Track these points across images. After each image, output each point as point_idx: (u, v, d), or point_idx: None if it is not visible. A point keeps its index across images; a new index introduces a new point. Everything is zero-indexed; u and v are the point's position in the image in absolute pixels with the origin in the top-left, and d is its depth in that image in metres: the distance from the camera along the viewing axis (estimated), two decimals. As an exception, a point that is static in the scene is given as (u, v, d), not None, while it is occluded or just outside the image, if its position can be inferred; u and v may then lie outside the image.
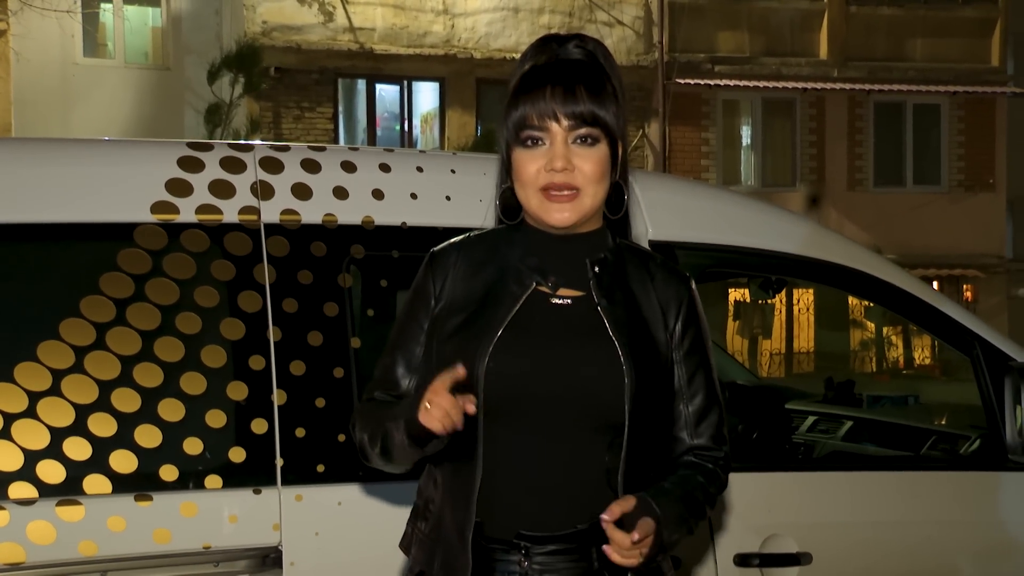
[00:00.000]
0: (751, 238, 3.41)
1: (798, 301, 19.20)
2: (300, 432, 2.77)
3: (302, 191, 2.93)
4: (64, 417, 2.59)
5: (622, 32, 18.22)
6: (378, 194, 3.00)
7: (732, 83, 18.69)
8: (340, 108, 17.42)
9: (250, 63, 12.65)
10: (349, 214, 2.95)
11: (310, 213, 2.92)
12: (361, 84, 17.56)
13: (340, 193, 2.96)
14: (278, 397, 2.76)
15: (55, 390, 2.59)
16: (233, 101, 12.67)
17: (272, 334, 2.79)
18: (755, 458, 3.77)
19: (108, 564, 2.59)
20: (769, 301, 14.82)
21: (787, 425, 4.32)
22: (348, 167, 3.02)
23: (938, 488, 3.42)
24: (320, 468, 2.77)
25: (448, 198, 3.04)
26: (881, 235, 18.76)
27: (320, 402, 2.80)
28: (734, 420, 4.17)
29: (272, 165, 2.94)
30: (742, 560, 3.09)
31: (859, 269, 3.47)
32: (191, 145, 2.94)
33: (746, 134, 19.79)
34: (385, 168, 3.06)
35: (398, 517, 2.34)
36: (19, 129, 15.86)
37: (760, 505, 3.16)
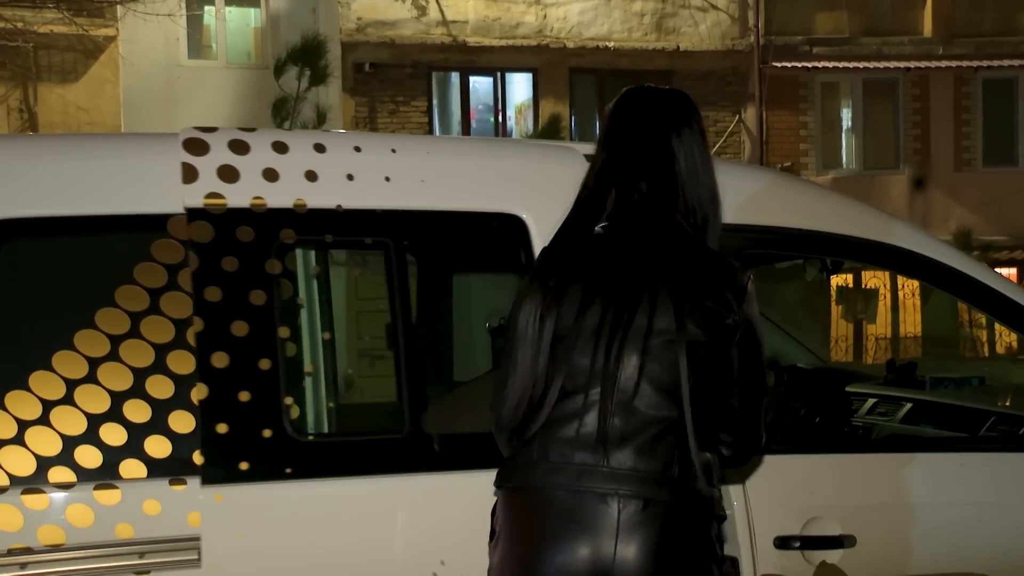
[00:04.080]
0: (794, 219, 3.35)
1: (903, 286, 18.74)
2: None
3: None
4: (100, 404, 2.67)
5: (716, 16, 17.99)
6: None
7: (831, 65, 18.31)
8: (434, 101, 17.53)
9: (315, 57, 12.77)
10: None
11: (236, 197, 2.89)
12: (455, 77, 17.65)
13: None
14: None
15: (91, 378, 2.67)
16: (299, 95, 12.83)
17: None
18: (799, 440, 3.71)
19: (145, 546, 2.67)
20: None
21: (845, 407, 4.23)
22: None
23: (992, 469, 3.32)
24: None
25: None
26: (991, 216, 18.21)
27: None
28: (795, 404, 4.12)
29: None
30: (783, 543, 3.05)
31: (909, 249, 3.38)
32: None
33: (846, 116, 19.33)
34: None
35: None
36: (127, 130, 16.33)
37: (801, 487, 3.11)
